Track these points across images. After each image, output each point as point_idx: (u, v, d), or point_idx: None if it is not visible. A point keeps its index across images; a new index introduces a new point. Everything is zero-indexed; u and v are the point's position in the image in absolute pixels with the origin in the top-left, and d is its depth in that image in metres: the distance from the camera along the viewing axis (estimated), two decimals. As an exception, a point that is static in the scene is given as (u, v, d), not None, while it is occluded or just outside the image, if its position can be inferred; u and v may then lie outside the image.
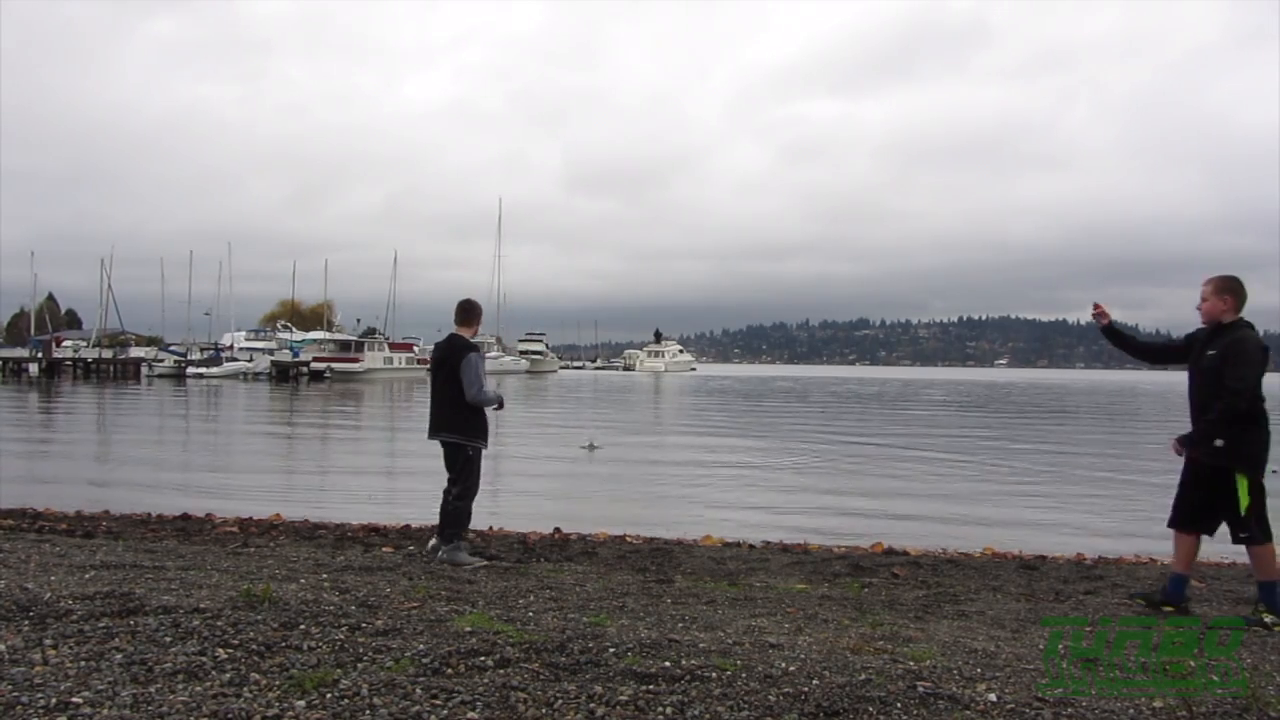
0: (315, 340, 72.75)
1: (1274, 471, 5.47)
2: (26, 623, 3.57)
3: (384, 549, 6.98)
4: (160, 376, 60.31)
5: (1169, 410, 38.48)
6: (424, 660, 3.29)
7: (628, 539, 8.21)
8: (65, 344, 71.64)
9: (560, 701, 2.91)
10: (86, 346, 70.55)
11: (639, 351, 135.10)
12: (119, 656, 3.16)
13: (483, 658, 3.35)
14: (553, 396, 47.16)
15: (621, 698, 2.97)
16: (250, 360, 66.37)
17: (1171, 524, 5.29)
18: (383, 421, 29.75)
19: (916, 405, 43.15)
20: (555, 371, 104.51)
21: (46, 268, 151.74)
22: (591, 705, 2.90)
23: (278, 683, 2.97)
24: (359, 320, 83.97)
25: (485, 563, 6.24)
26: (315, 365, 64.30)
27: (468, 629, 3.80)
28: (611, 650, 3.52)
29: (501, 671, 3.22)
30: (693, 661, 3.40)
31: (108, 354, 67.43)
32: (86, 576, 4.66)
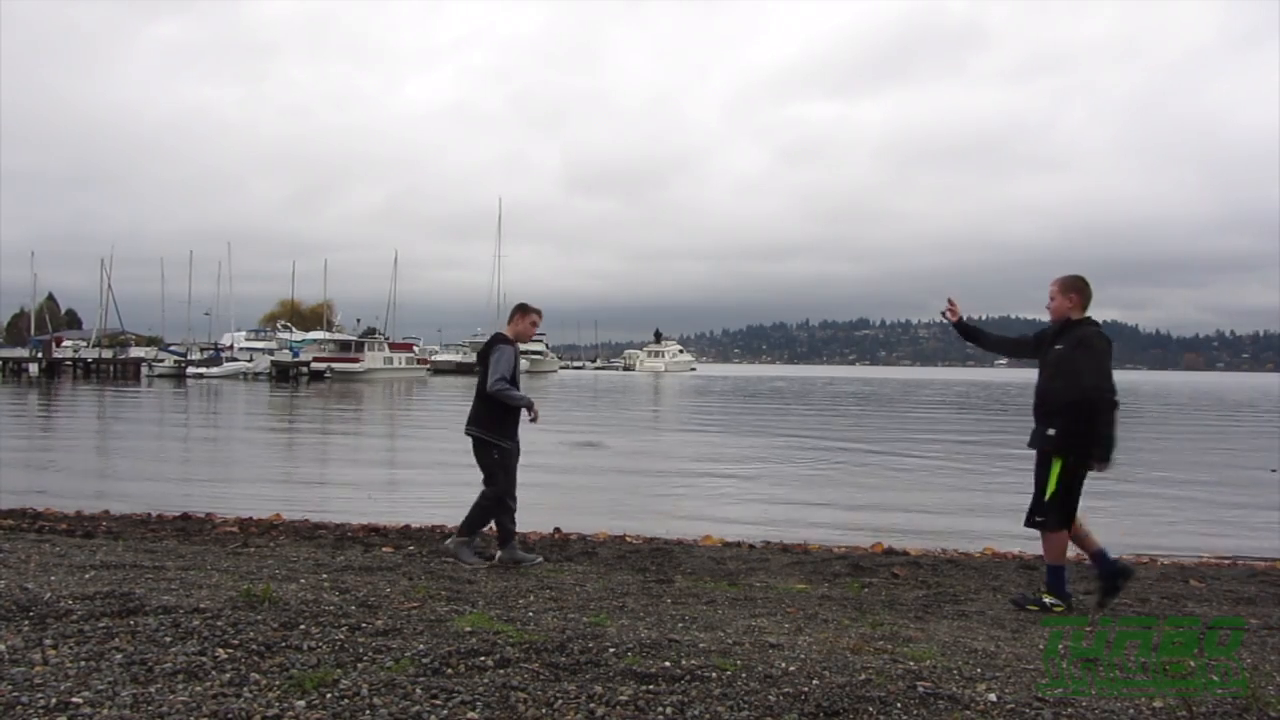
0: (315, 340, 72.75)
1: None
2: (26, 623, 3.57)
3: (384, 549, 6.98)
4: (160, 376, 60.29)
5: (1168, 411, 38.48)
6: (424, 660, 3.29)
7: (628, 539, 8.21)
8: (65, 344, 71.68)
9: (560, 701, 2.91)
10: (86, 346, 70.57)
11: (639, 351, 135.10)
12: (119, 656, 3.17)
13: (483, 658, 3.35)
14: (552, 396, 47.15)
15: (621, 698, 2.97)
16: (250, 360, 66.33)
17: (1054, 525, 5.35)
18: (383, 422, 29.74)
19: (917, 405, 43.15)
20: (555, 371, 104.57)
21: (46, 268, 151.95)
22: (591, 705, 2.90)
23: (278, 683, 2.97)
24: (359, 320, 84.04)
25: (486, 564, 6.23)
26: (315, 365, 64.31)
27: (468, 629, 3.80)
28: (611, 650, 3.52)
29: (501, 671, 3.22)
30: (693, 661, 3.40)
31: (108, 354, 67.43)
32: (86, 576, 4.66)
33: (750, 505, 11.79)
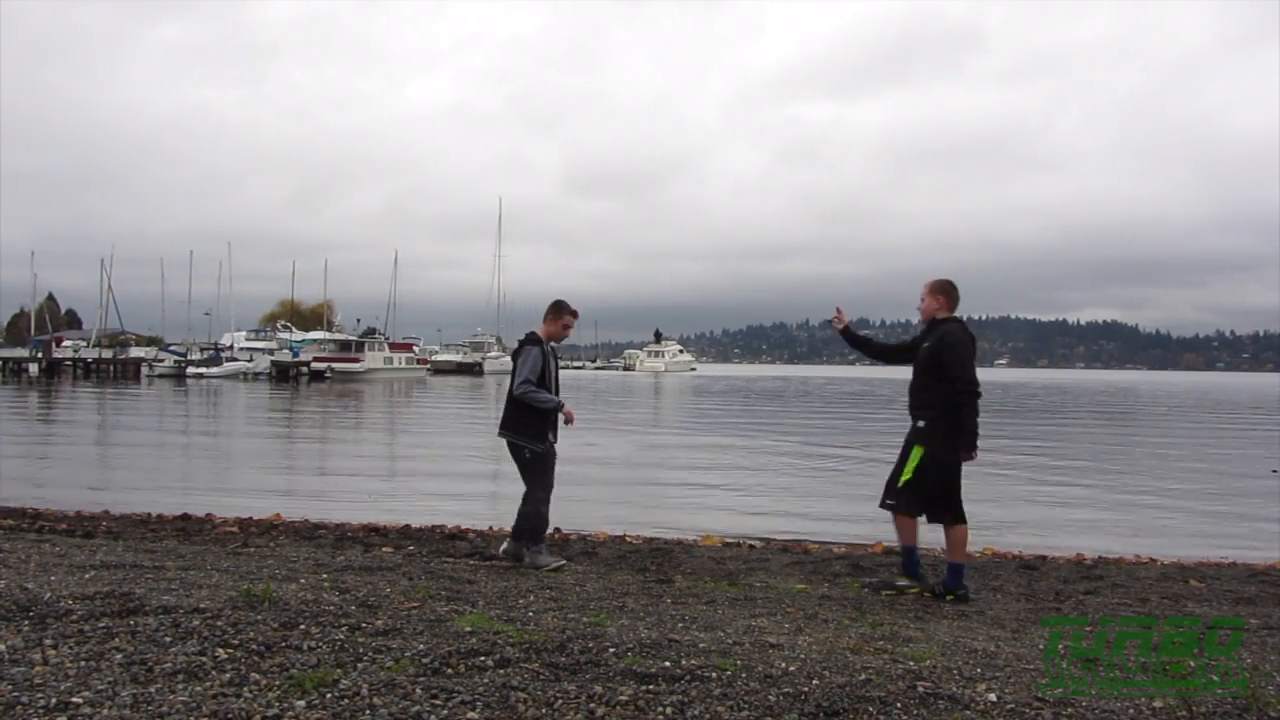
0: (315, 340, 72.79)
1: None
2: (26, 623, 3.57)
3: (384, 549, 6.98)
4: (160, 376, 60.26)
5: (1170, 411, 38.49)
6: (424, 660, 3.29)
7: (628, 539, 8.21)
8: (65, 344, 71.66)
9: (560, 701, 2.91)
10: (86, 346, 70.55)
11: (639, 351, 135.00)
12: (119, 656, 3.16)
13: (483, 658, 3.35)
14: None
15: (621, 698, 2.97)
16: (250, 360, 66.33)
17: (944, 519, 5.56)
18: (383, 422, 29.74)
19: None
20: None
21: (47, 268, 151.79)
22: (591, 705, 2.90)
23: (278, 683, 2.97)
24: (359, 320, 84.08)
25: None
26: (315, 365, 64.32)
27: (468, 629, 3.80)
28: (611, 650, 3.52)
29: (501, 671, 3.22)
30: (693, 661, 3.40)
31: (108, 354, 67.40)
32: (86, 576, 4.66)
33: (750, 505, 11.79)
